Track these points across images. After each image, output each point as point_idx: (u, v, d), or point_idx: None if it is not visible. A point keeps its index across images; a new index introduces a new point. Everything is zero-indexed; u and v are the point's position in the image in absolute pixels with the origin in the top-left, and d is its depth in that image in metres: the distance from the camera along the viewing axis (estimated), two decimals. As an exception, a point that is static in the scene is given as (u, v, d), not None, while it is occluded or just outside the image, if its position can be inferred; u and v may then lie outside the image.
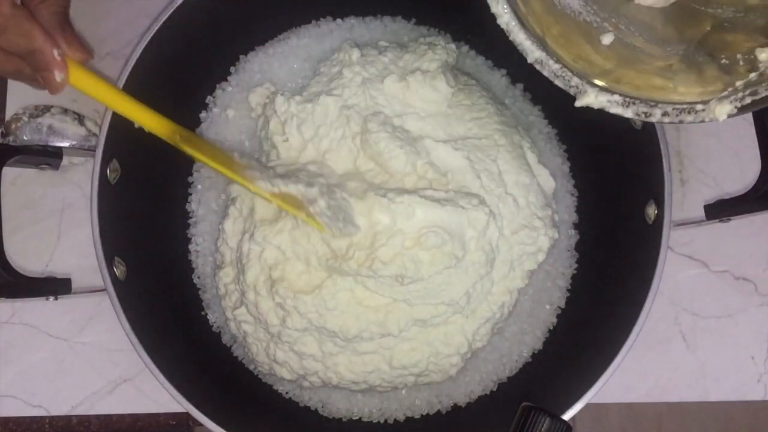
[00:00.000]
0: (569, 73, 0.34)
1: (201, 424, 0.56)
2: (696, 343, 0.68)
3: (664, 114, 0.33)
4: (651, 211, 0.58)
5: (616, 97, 0.33)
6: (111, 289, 0.56)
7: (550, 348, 0.65)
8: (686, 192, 0.70)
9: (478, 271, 0.57)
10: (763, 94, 0.31)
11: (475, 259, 0.56)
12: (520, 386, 0.63)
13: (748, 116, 0.57)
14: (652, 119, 0.33)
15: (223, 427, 0.55)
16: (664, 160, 0.57)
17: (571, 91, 0.34)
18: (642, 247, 0.58)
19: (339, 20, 0.69)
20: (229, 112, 0.67)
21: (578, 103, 0.34)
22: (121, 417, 0.67)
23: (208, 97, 0.68)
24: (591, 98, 0.34)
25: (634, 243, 0.60)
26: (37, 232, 0.69)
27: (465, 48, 0.69)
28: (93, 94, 0.50)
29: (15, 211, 0.69)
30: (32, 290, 0.59)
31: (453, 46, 0.64)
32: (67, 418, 0.67)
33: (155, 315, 0.60)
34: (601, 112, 0.63)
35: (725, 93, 0.32)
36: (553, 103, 0.68)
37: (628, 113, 0.34)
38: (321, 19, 0.69)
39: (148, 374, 0.56)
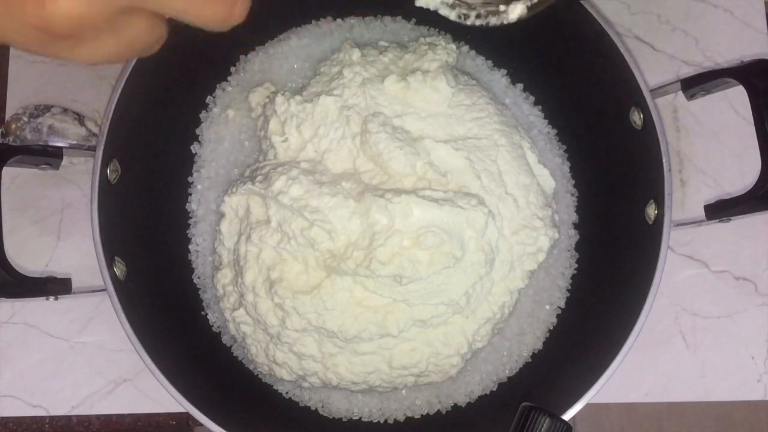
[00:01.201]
0: None
1: (201, 424, 0.56)
2: (696, 343, 0.68)
3: (477, 16, 0.37)
4: (651, 211, 0.58)
5: None
6: (111, 289, 0.56)
7: (550, 348, 0.65)
8: (686, 192, 0.70)
9: (477, 271, 0.57)
10: None
11: (474, 259, 0.56)
12: (520, 386, 0.63)
13: (748, 116, 0.57)
14: (468, 21, 0.37)
15: (223, 427, 0.55)
16: (664, 160, 0.57)
17: None
18: (642, 247, 0.58)
19: (339, 20, 0.69)
20: (229, 112, 0.67)
21: (418, 3, 0.38)
22: (121, 417, 0.67)
23: (208, 97, 0.68)
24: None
25: (634, 243, 0.60)
26: (37, 232, 0.69)
27: (465, 48, 0.69)
28: None
29: (15, 211, 0.69)
30: (32, 290, 0.59)
31: (453, 46, 0.64)
32: (67, 418, 0.67)
33: (155, 315, 0.60)
34: (600, 111, 0.63)
35: None
36: (553, 103, 0.68)
37: (452, 15, 0.38)
38: (321, 19, 0.69)
39: (148, 374, 0.56)
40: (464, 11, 0.37)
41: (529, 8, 0.36)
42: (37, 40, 0.32)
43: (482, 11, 0.37)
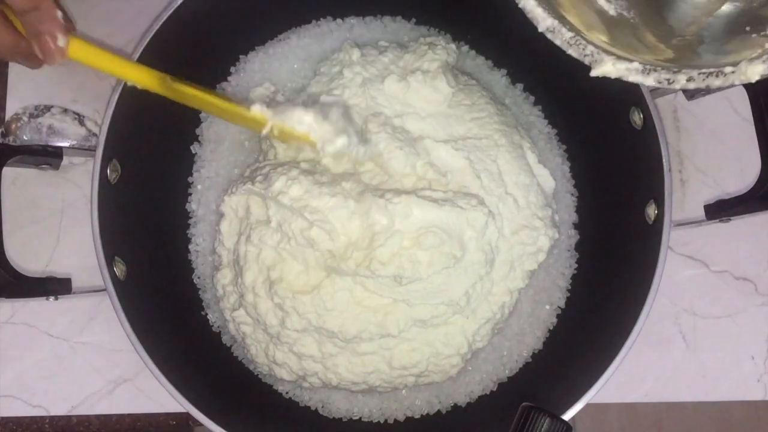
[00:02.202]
0: (583, 41, 0.32)
1: (201, 424, 0.56)
2: (696, 343, 0.68)
3: (690, 79, 0.31)
4: (651, 211, 0.58)
5: (635, 65, 0.31)
6: (111, 289, 0.56)
7: (550, 348, 0.65)
8: (686, 192, 0.70)
9: (477, 271, 0.57)
10: None
11: (474, 259, 0.56)
12: (520, 386, 0.63)
13: (748, 116, 0.57)
14: (676, 86, 0.31)
15: (223, 427, 0.55)
16: (664, 160, 0.57)
17: (586, 60, 0.32)
18: (642, 247, 0.58)
19: (339, 20, 0.69)
20: (229, 112, 0.67)
21: (594, 73, 0.32)
22: (121, 417, 0.67)
23: (209, 97, 0.68)
24: (608, 67, 0.32)
25: (634, 243, 0.60)
26: (37, 232, 0.69)
27: (465, 48, 0.69)
28: (86, 60, 0.48)
29: (15, 211, 0.68)
30: (32, 290, 0.59)
31: (453, 46, 0.64)
32: (67, 418, 0.67)
33: (155, 315, 0.60)
34: (600, 111, 0.63)
35: (755, 54, 0.30)
36: (553, 103, 0.68)
37: (649, 80, 0.31)
38: (321, 19, 0.69)
39: (148, 374, 0.56)
40: (666, 76, 0.31)
41: None
42: None
43: (695, 74, 0.30)
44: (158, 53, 0.59)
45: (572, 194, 0.67)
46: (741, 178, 0.70)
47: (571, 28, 0.32)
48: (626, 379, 0.67)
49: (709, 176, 0.70)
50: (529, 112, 0.68)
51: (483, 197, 0.57)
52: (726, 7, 0.33)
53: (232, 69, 0.68)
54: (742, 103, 0.61)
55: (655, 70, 0.31)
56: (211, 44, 0.65)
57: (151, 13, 0.70)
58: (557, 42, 0.32)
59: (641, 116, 0.59)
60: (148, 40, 0.59)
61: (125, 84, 0.58)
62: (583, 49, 0.31)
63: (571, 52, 0.32)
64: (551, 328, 0.65)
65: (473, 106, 0.62)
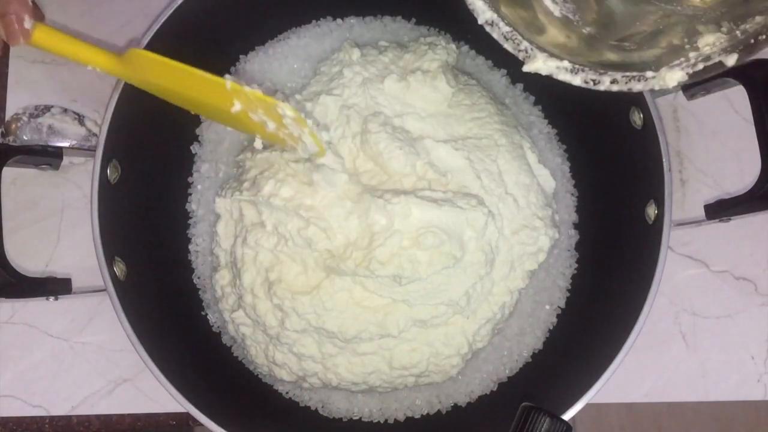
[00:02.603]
0: (519, 37, 0.33)
1: (201, 424, 0.56)
2: (696, 343, 0.68)
3: (613, 82, 0.32)
4: (651, 211, 0.58)
5: (565, 63, 0.32)
6: (111, 289, 0.56)
7: (550, 348, 0.65)
8: (686, 192, 0.70)
9: (477, 271, 0.56)
10: (716, 60, 0.30)
11: (474, 259, 0.56)
12: (520, 386, 0.63)
13: (748, 116, 0.57)
14: (600, 87, 0.32)
15: (223, 427, 0.55)
16: (664, 160, 0.57)
17: (520, 56, 0.33)
18: (642, 247, 0.58)
19: (339, 20, 0.69)
20: (229, 112, 0.67)
21: (526, 68, 0.34)
22: (121, 417, 0.67)
23: (208, 97, 0.68)
24: (539, 63, 0.33)
25: (634, 243, 0.60)
26: (37, 232, 0.69)
27: (465, 48, 0.69)
28: (51, 46, 0.48)
29: (15, 211, 0.68)
30: (32, 290, 0.59)
31: (453, 46, 0.64)
32: (67, 418, 0.67)
33: (155, 315, 0.60)
34: (600, 111, 0.63)
35: (676, 62, 0.31)
36: (553, 103, 0.68)
37: (576, 80, 0.33)
38: (321, 19, 0.69)
39: (148, 374, 0.56)
40: (592, 77, 0.32)
41: (690, 75, 0.31)
42: None
43: (619, 77, 0.31)
44: (158, 53, 0.59)
45: (572, 194, 0.67)
46: (741, 178, 0.70)
47: (509, 23, 0.33)
48: (626, 379, 0.67)
49: (709, 176, 0.70)
50: (529, 112, 0.68)
51: (483, 197, 0.57)
52: (670, 19, 0.33)
53: (232, 69, 0.68)
54: (742, 103, 0.61)
55: (583, 71, 0.32)
56: (211, 44, 0.65)
57: (151, 13, 0.70)
58: (494, 35, 0.34)
59: (641, 116, 0.59)
60: (148, 40, 0.59)
61: (125, 84, 0.58)
62: (518, 45, 0.32)
63: (507, 46, 0.33)
64: (551, 328, 0.65)
65: (473, 106, 0.62)
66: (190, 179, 0.67)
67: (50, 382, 0.67)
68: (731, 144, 0.71)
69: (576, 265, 0.66)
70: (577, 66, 0.32)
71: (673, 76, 0.31)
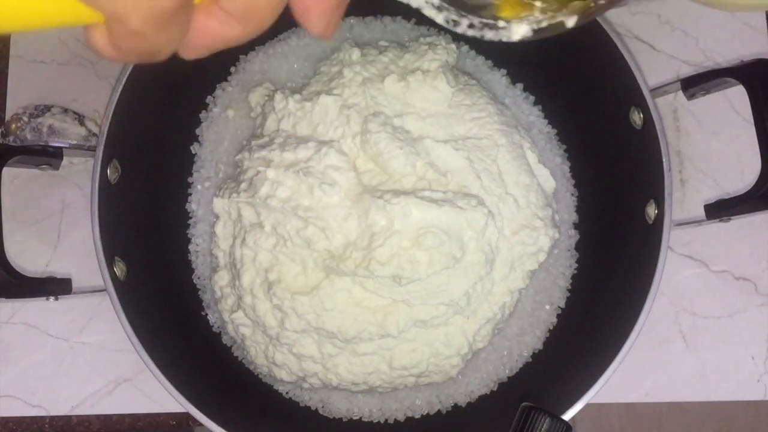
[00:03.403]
0: None
1: (201, 424, 0.56)
2: (696, 343, 0.68)
3: (470, 26, 0.33)
4: (651, 211, 0.58)
5: (434, 0, 0.33)
6: (111, 289, 0.56)
7: (550, 348, 0.65)
8: (686, 192, 0.70)
9: (477, 271, 0.56)
10: (559, 19, 0.31)
11: (474, 259, 0.56)
12: (520, 386, 0.63)
13: (748, 116, 0.57)
14: (459, 29, 0.33)
15: (223, 427, 0.55)
16: (664, 160, 0.57)
17: None
18: (642, 247, 0.58)
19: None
20: (229, 112, 0.67)
21: None
22: (121, 417, 0.67)
23: (208, 97, 0.68)
24: None
25: (634, 243, 0.60)
26: (37, 232, 0.69)
27: (465, 48, 0.69)
28: None
29: (15, 211, 0.68)
30: (32, 290, 0.59)
31: (453, 46, 0.64)
32: (67, 418, 0.67)
33: (155, 315, 0.60)
34: (600, 111, 0.63)
35: (525, 15, 0.32)
36: (553, 103, 0.68)
37: (439, 18, 0.33)
38: (321, 19, 0.69)
39: (148, 374, 0.56)
40: (453, 17, 0.32)
41: (535, 31, 0.32)
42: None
43: (476, 22, 0.32)
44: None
45: (572, 194, 0.67)
46: (741, 178, 0.70)
47: None
48: (626, 379, 0.67)
49: (709, 176, 0.70)
50: (529, 112, 0.68)
51: (483, 197, 0.57)
52: None
53: (232, 69, 0.68)
54: (742, 103, 0.61)
55: (447, 10, 0.33)
56: (211, 44, 0.65)
57: (151, 13, 0.70)
58: None
59: (641, 116, 0.59)
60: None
61: (125, 84, 0.58)
62: None
63: None
64: (551, 327, 0.65)
65: (473, 106, 0.62)
66: (190, 179, 0.67)
67: (50, 382, 0.67)
68: (731, 144, 0.71)
69: (576, 265, 0.66)
70: (444, 4, 0.33)
71: (519, 30, 0.32)
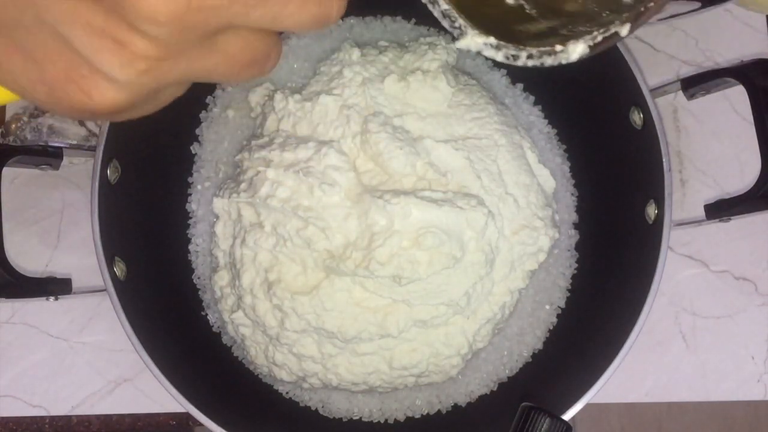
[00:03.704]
0: (456, 15, 0.35)
1: (201, 424, 0.56)
2: (696, 343, 0.68)
3: (529, 57, 0.34)
4: (651, 211, 0.58)
5: (491, 40, 0.35)
6: (111, 289, 0.56)
7: (550, 348, 0.65)
8: (686, 192, 0.70)
9: (477, 271, 0.56)
10: (612, 31, 0.32)
11: (474, 259, 0.56)
12: (520, 386, 0.63)
13: (748, 116, 0.57)
14: (519, 62, 0.34)
15: (223, 427, 0.55)
16: (664, 160, 0.57)
17: (455, 33, 0.36)
18: (642, 247, 0.58)
19: (339, 20, 0.69)
20: (229, 112, 0.67)
21: (458, 45, 0.36)
22: (121, 417, 0.67)
23: (208, 97, 0.68)
24: (469, 40, 0.35)
25: (634, 243, 0.60)
26: (37, 232, 0.69)
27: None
28: None
29: (15, 211, 0.68)
30: (32, 290, 0.59)
31: (453, 46, 0.64)
32: (67, 418, 0.67)
33: (155, 315, 0.60)
34: (600, 111, 0.63)
35: (580, 33, 0.33)
36: (553, 103, 0.68)
37: (499, 56, 0.35)
38: (321, 19, 0.69)
39: (148, 374, 0.56)
40: (512, 52, 0.34)
41: (591, 48, 0.33)
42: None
43: (534, 52, 0.33)
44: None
45: (572, 194, 0.67)
46: (741, 178, 0.70)
47: (449, 1, 0.35)
48: (626, 379, 0.67)
49: (709, 176, 0.70)
50: (529, 112, 0.68)
51: (483, 197, 0.57)
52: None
53: (232, 69, 0.68)
54: (742, 103, 0.61)
55: (506, 47, 0.35)
56: (211, 44, 0.65)
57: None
58: (435, 13, 0.36)
59: (641, 116, 0.59)
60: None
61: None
62: (455, 22, 0.35)
63: (445, 23, 0.36)
64: (551, 327, 0.65)
65: (473, 106, 0.62)
66: (190, 179, 0.67)
67: (50, 382, 0.67)
68: (731, 144, 0.71)
69: (576, 265, 0.66)
70: (501, 43, 0.35)
71: (576, 49, 0.33)
